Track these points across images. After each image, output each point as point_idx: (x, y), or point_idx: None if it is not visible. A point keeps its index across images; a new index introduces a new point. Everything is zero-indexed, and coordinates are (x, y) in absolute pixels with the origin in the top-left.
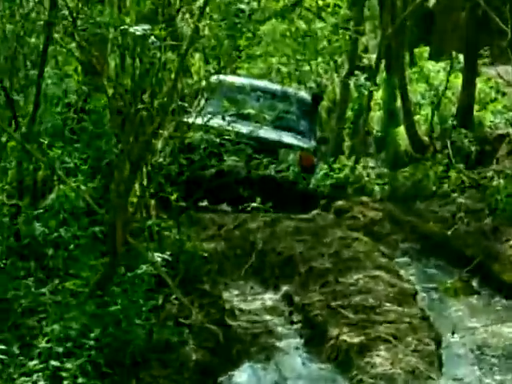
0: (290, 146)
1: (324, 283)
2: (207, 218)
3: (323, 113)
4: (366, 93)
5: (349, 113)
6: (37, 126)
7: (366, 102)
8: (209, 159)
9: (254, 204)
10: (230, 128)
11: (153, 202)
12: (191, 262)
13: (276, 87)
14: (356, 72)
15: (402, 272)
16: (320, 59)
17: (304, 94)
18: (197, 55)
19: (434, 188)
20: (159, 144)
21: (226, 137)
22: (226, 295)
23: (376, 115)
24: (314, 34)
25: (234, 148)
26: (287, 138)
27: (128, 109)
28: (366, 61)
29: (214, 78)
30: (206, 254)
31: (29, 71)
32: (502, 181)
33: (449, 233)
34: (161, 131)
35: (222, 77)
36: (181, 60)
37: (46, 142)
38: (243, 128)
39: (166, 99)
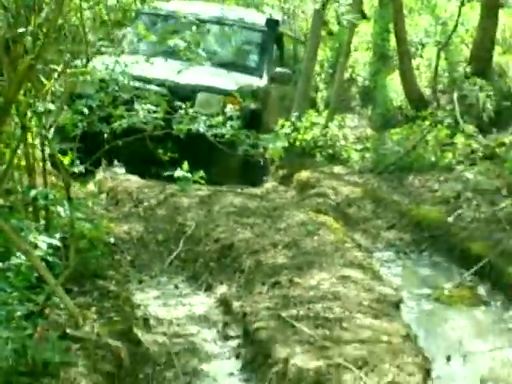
0: (210, 90)
1: (274, 284)
2: (122, 188)
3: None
4: (349, 27)
5: (327, 53)
6: None
7: (348, 39)
8: (114, 107)
9: (179, 172)
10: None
11: (41, 164)
12: (91, 250)
13: (213, 9)
14: None
15: (383, 272)
16: None
17: (254, 18)
18: None
19: (433, 158)
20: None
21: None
22: (138, 297)
23: (363, 57)
24: None
25: (151, 93)
26: (210, 79)
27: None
28: None
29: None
30: (112, 240)
31: None
32: None
33: (450, 219)
34: (53, 66)
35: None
36: None
37: None
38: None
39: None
